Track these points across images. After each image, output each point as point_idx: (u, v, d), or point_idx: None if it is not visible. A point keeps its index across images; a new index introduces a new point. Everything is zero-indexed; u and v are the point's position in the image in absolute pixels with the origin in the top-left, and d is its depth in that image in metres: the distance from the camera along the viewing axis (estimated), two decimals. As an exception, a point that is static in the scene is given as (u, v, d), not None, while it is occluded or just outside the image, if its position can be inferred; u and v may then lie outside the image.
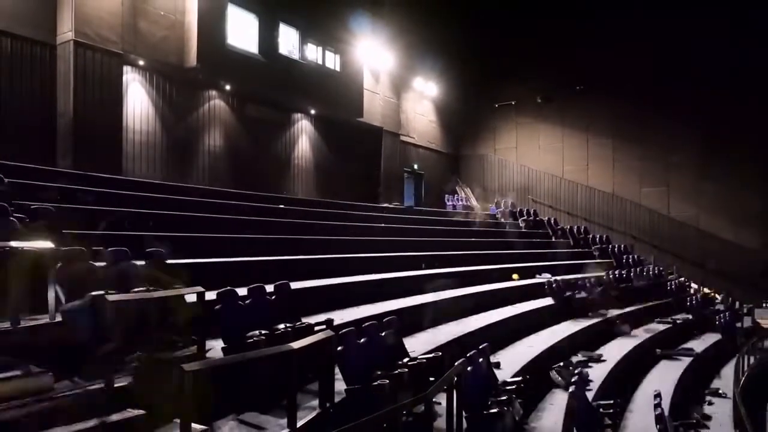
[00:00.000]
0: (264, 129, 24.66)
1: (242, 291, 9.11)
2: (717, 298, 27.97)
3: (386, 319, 9.52)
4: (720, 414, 13.63)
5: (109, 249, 8.18)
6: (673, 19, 31.45)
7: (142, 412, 5.62)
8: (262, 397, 7.00)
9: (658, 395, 9.89)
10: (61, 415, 5.17)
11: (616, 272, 24.90)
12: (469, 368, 8.52)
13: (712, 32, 30.53)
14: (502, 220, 32.60)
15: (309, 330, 7.94)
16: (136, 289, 6.86)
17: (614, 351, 15.87)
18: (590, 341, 16.40)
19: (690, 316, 22.62)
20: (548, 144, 36.04)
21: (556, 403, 11.20)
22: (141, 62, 19.43)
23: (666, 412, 11.78)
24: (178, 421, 5.37)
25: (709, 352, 18.85)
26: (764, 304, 28.90)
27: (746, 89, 30.06)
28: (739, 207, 30.47)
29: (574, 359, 14.49)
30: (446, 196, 35.17)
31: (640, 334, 18.84)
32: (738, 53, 30.03)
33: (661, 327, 20.53)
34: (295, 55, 24.22)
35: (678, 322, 21.59)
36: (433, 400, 7.02)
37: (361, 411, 6.04)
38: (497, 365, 11.29)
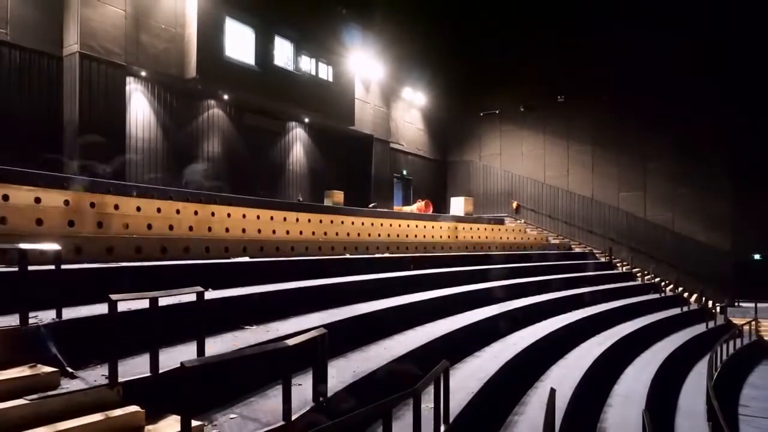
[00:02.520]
0: (260, 137, 24.70)
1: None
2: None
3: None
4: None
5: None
6: (649, 34, 31.68)
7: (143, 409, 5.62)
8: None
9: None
10: (66, 410, 5.17)
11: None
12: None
13: (686, 47, 30.80)
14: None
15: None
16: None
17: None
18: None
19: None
20: (531, 151, 36.20)
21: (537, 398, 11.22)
22: (143, 73, 19.44)
23: (644, 405, 11.86)
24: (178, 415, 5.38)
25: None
26: (736, 303, 29.08)
27: (717, 101, 30.27)
28: (711, 211, 30.67)
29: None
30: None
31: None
32: (711, 67, 30.25)
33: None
34: (290, 67, 24.27)
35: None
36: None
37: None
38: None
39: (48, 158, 15.34)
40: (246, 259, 13.12)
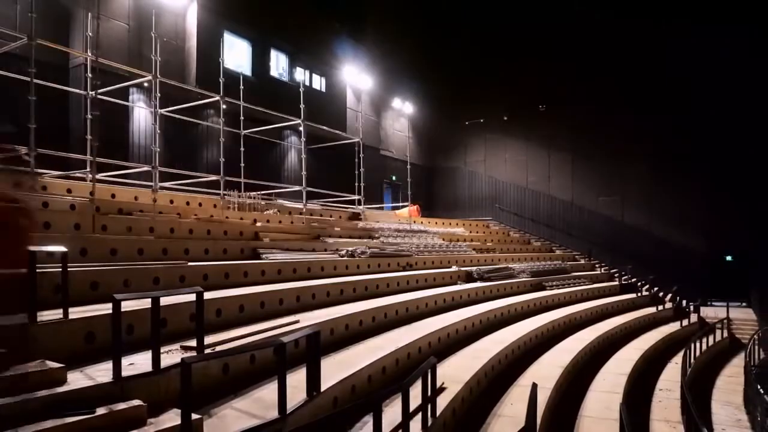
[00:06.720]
0: (257, 145, 24.67)
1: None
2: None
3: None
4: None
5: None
6: (628, 46, 31.95)
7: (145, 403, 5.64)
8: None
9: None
10: (72, 404, 5.18)
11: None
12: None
13: (664, 57, 31.04)
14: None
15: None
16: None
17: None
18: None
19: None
20: (514, 157, 36.43)
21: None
22: (145, 84, 19.42)
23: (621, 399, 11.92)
24: (179, 410, 5.41)
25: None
26: (709, 303, 29.23)
27: (692, 110, 30.52)
28: (686, 214, 30.93)
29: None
30: None
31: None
32: (686, 76, 30.49)
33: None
34: (285, 78, 24.34)
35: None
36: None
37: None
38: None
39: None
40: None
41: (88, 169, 14.25)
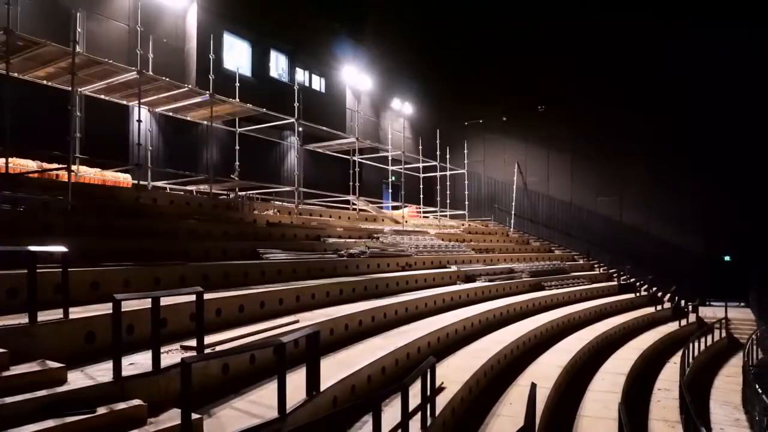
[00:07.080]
0: (256, 145, 24.65)
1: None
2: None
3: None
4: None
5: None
6: (628, 46, 32.01)
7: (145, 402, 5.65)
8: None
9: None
10: (72, 403, 5.19)
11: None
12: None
13: (664, 57, 31.10)
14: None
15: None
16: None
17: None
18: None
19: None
20: (513, 158, 36.48)
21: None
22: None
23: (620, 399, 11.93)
24: (179, 409, 5.42)
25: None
26: (708, 303, 29.25)
27: (692, 110, 30.57)
28: (685, 214, 30.93)
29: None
30: None
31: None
32: (686, 76, 30.53)
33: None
34: (285, 78, 24.34)
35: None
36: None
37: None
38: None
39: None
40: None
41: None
